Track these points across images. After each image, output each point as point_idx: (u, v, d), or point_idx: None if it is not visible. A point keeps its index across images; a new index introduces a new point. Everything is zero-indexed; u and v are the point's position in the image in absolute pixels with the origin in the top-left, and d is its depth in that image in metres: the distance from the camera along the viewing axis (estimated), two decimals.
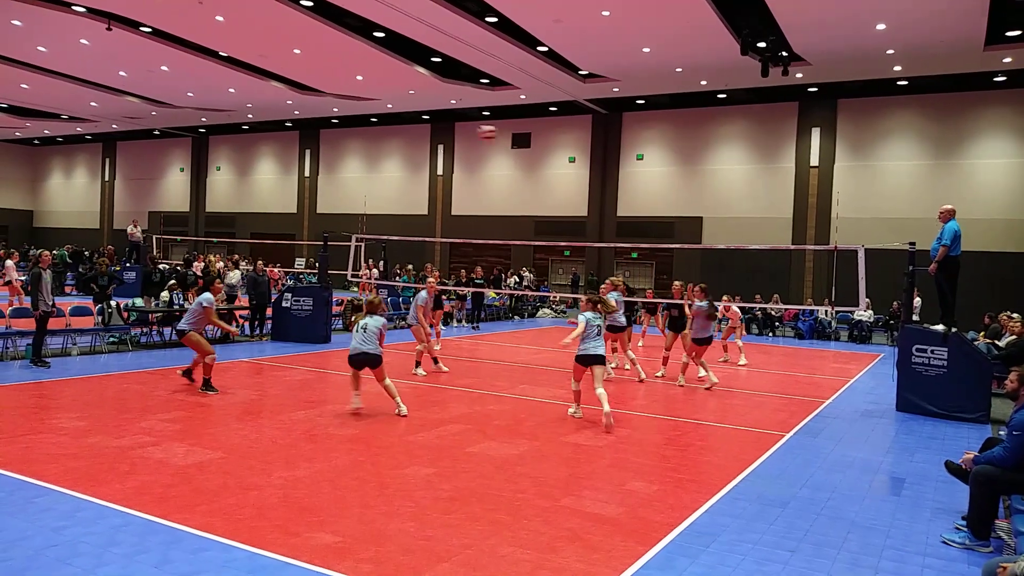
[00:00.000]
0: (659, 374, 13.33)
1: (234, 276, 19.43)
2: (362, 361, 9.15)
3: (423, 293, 12.92)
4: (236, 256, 32.12)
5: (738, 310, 16.36)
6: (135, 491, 5.98)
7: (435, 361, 13.05)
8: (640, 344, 18.06)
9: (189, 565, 4.68)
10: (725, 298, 16.17)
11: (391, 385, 9.34)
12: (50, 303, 12.03)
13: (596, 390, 9.07)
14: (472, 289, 20.32)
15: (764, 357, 17.23)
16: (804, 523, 5.96)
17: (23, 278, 15.50)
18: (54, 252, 30.43)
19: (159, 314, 15.18)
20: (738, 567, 5.03)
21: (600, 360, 9.26)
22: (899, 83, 25.01)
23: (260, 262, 18.32)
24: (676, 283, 14.70)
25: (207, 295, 10.57)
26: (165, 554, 4.82)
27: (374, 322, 9.29)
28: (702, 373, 12.60)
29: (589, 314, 9.33)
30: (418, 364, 12.61)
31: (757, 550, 5.34)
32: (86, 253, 32.67)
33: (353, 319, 10.56)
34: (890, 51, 21.25)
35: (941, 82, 24.52)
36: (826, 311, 23.19)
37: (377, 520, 5.57)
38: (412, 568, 4.75)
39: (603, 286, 13.05)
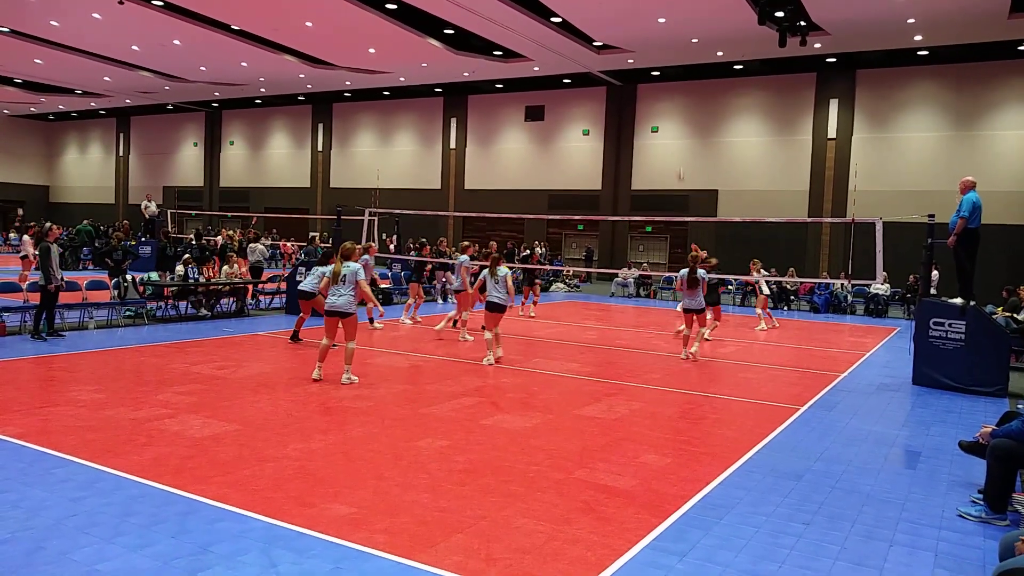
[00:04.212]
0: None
1: (256, 249, 19.45)
2: None
3: (464, 256, 13.40)
4: (253, 231, 32.15)
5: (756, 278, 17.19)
6: (152, 462, 6.04)
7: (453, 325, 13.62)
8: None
9: (206, 535, 4.73)
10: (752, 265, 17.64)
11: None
12: (59, 277, 12.03)
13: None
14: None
15: (779, 331, 17.14)
16: (818, 496, 5.94)
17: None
18: (77, 227, 30.64)
19: (174, 288, 15.27)
20: (752, 539, 5.03)
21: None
22: (919, 53, 24.54)
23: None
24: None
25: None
26: (182, 524, 4.87)
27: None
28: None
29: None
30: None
31: (771, 522, 5.34)
32: (101, 228, 32.88)
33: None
34: (911, 20, 20.83)
35: (963, 51, 24.04)
36: (842, 284, 23.01)
37: (392, 491, 5.61)
38: (426, 539, 4.78)
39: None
